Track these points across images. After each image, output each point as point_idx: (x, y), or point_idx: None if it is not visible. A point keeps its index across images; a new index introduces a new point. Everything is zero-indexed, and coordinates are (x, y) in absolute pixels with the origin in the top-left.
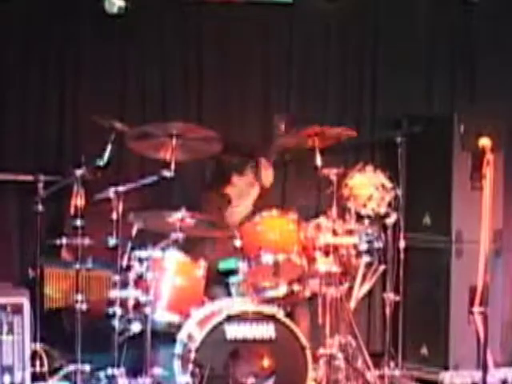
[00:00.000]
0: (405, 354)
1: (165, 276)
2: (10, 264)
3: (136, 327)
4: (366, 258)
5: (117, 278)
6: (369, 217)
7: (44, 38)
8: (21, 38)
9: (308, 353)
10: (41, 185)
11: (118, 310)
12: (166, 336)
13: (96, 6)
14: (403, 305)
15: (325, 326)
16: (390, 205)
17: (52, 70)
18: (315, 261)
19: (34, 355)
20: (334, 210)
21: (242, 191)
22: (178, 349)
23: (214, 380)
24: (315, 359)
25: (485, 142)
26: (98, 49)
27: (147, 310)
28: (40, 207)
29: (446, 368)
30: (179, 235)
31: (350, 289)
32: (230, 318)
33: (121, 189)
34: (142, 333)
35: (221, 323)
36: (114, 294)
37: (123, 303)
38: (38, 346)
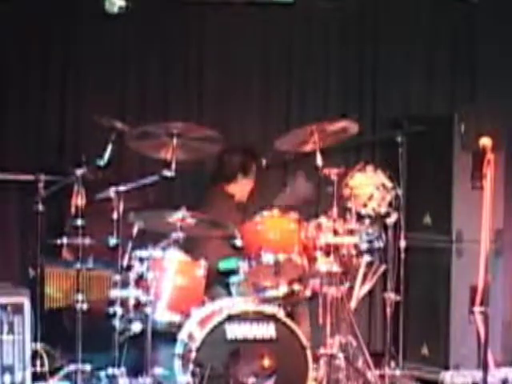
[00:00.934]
0: (405, 354)
1: (165, 276)
2: (11, 264)
3: (136, 327)
4: (366, 258)
5: (117, 277)
6: (369, 216)
7: (44, 38)
8: (21, 37)
9: (308, 352)
10: (41, 184)
11: (119, 310)
12: (167, 336)
13: (96, 6)
14: (404, 304)
15: (325, 326)
16: (390, 204)
17: (52, 70)
18: (316, 260)
19: (35, 355)
20: (334, 210)
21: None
22: (179, 348)
23: (214, 380)
24: (316, 359)
25: (485, 141)
26: (99, 49)
27: (148, 309)
28: (41, 207)
29: (447, 368)
30: (180, 235)
31: (351, 288)
32: (230, 318)
33: (121, 188)
34: (143, 332)
35: (221, 323)
36: (115, 293)
37: (124, 303)
38: (39, 346)
